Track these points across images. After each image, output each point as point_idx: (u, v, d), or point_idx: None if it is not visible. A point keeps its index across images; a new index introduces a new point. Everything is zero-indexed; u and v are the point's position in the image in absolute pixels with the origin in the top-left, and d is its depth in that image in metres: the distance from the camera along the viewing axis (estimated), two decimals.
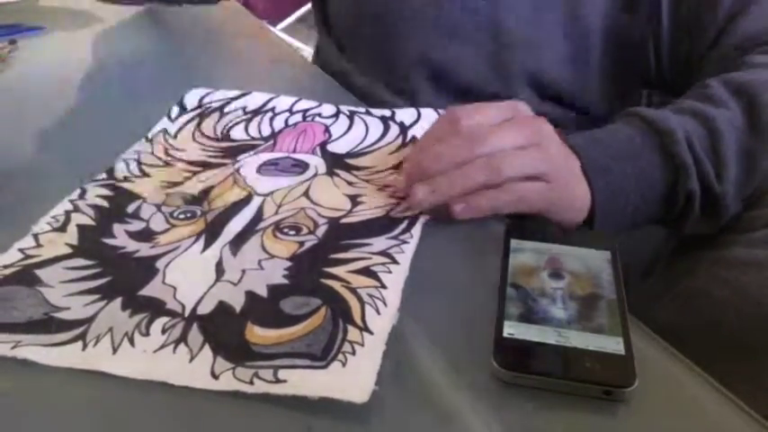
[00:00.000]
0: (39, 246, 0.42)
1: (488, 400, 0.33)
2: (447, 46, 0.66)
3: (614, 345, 0.34)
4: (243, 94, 0.63)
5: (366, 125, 0.57)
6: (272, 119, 0.59)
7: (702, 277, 0.51)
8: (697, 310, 0.50)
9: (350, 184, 0.50)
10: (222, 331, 0.36)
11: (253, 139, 0.56)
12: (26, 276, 0.39)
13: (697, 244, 0.55)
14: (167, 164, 0.52)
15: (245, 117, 0.59)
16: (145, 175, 0.50)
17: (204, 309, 0.37)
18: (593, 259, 0.40)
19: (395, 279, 0.39)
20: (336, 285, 0.39)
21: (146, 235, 0.44)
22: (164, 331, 0.36)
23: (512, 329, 0.35)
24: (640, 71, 0.69)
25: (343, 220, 0.45)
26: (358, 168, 0.52)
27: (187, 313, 0.37)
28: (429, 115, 0.58)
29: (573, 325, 0.35)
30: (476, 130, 0.46)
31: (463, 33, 0.66)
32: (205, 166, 0.52)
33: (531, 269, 0.39)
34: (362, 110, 0.60)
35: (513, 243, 0.42)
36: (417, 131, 0.56)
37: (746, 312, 0.47)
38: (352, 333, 0.35)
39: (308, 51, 0.87)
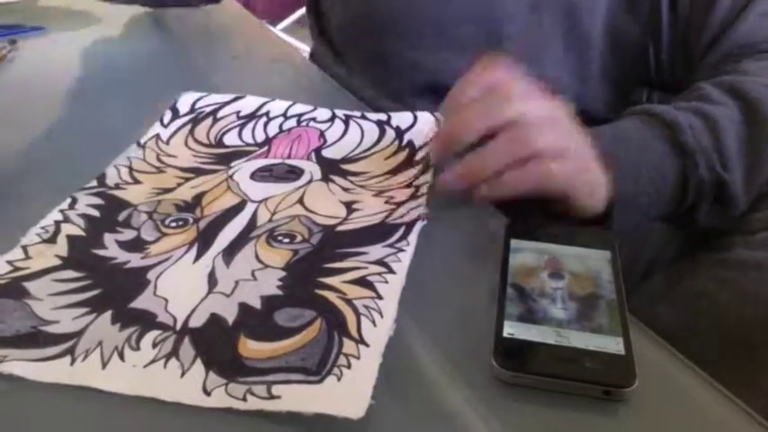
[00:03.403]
0: (28, 258, 0.41)
1: (488, 400, 0.32)
2: (442, 53, 0.66)
3: (614, 345, 0.34)
4: (236, 98, 0.62)
5: (362, 130, 0.57)
6: (266, 124, 0.58)
7: (703, 278, 0.51)
8: (697, 310, 0.50)
9: (345, 190, 0.49)
10: (214, 345, 0.35)
11: (247, 144, 0.55)
12: (14, 289, 0.39)
13: (698, 245, 0.55)
14: (159, 170, 0.51)
15: (238, 122, 0.58)
16: (136, 181, 0.50)
17: (196, 321, 0.36)
18: (593, 259, 0.40)
19: (391, 289, 0.39)
20: (331, 296, 0.38)
21: (137, 245, 0.43)
22: (154, 345, 0.35)
23: (512, 329, 0.35)
24: (641, 71, 0.70)
25: (339, 228, 0.44)
26: (353, 174, 0.51)
27: (179, 326, 0.36)
28: (426, 119, 0.58)
29: (573, 325, 0.35)
30: (503, 90, 0.45)
31: (460, 41, 0.66)
32: (198, 172, 0.51)
33: (531, 269, 0.39)
34: (358, 114, 0.60)
35: (513, 243, 0.42)
36: (413, 136, 0.55)
37: (746, 313, 0.47)
38: (348, 346, 0.35)
39: (307, 51, 0.87)
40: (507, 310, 0.36)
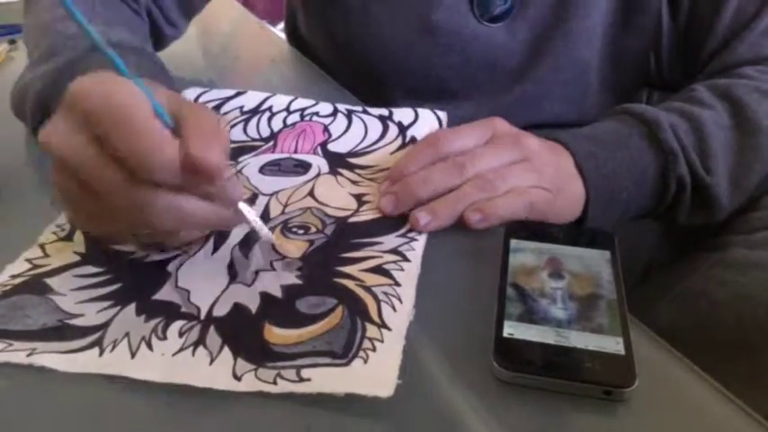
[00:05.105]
0: (46, 255, 0.42)
1: (488, 400, 0.33)
2: (442, 103, 0.66)
3: (614, 345, 0.34)
4: (238, 93, 0.62)
5: (365, 124, 0.57)
6: (269, 118, 0.59)
7: (702, 278, 0.51)
8: (696, 310, 0.50)
9: (354, 183, 0.50)
10: (240, 332, 0.36)
11: (252, 140, 0.56)
12: (36, 285, 0.39)
13: (697, 245, 0.55)
14: None
15: (242, 117, 0.59)
16: None
17: (220, 311, 0.37)
18: (593, 259, 0.40)
19: (408, 276, 0.40)
20: (350, 284, 0.39)
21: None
22: (181, 334, 0.35)
23: (512, 329, 0.35)
24: (641, 76, 0.70)
25: (351, 219, 0.45)
26: (361, 167, 0.52)
27: (203, 316, 0.37)
28: (427, 117, 0.58)
29: (573, 325, 0.35)
30: (459, 156, 0.45)
31: (460, 92, 0.67)
32: None
33: (531, 269, 0.39)
34: (359, 108, 0.60)
35: (513, 243, 0.42)
36: (416, 132, 0.56)
37: (746, 313, 0.47)
38: (371, 330, 0.35)
39: None
40: (507, 309, 0.36)
